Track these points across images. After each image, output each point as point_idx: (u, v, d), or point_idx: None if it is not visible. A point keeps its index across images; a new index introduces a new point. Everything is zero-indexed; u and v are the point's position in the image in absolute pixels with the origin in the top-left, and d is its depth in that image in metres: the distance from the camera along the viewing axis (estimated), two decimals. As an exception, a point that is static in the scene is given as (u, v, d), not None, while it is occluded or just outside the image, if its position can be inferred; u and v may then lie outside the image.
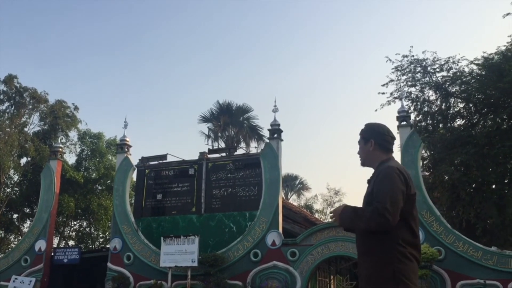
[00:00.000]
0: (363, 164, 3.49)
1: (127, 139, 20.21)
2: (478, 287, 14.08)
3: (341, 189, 49.97)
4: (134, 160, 20.45)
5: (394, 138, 3.41)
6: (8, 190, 28.18)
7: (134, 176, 20.90)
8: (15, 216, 29.34)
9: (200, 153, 19.48)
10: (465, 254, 14.57)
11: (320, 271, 19.45)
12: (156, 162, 20.03)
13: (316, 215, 42.86)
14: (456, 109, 20.74)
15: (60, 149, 21.77)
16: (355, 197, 68.19)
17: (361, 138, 3.48)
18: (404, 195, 3.05)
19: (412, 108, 21.04)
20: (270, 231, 16.68)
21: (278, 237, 16.55)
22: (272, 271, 16.20)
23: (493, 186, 17.91)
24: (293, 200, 45.56)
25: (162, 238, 17.11)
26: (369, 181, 3.35)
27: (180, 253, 16.57)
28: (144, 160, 20.02)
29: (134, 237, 18.33)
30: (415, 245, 3.07)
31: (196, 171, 19.26)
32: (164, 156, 19.87)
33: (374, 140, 3.38)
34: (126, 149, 19.97)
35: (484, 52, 19.20)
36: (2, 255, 22.74)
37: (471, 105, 20.03)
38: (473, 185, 17.98)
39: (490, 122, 18.47)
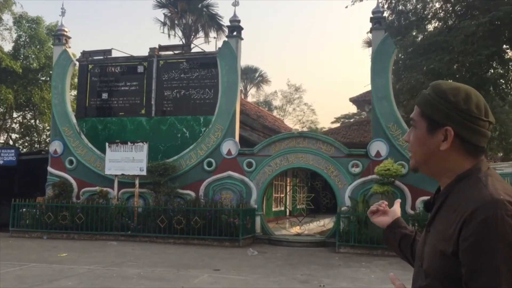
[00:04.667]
0: (417, 168, 1.58)
1: (65, 29, 17.67)
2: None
3: (301, 85, 48.82)
4: (76, 54, 18.19)
5: (493, 124, 1.51)
6: None
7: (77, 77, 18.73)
8: None
9: (150, 49, 17.36)
10: (429, 170, 13.92)
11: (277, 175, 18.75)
12: (100, 57, 17.81)
13: (275, 112, 42.04)
14: (432, 10, 19.07)
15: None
16: (316, 94, 67.62)
17: (419, 117, 1.53)
18: None
19: (386, 5, 19.18)
20: (225, 139, 15.45)
21: (234, 146, 15.39)
22: (227, 181, 15.26)
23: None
24: (252, 95, 44.29)
25: (107, 144, 15.60)
26: (430, 208, 1.55)
27: (127, 160, 15.25)
28: (86, 54, 17.74)
29: (76, 140, 16.74)
30: None
31: (145, 69, 17.30)
32: (109, 51, 17.62)
33: (454, 127, 1.46)
34: (65, 41, 17.53)
35: None
36: None
37: (449, 5, 18.39)
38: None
39: (466, 25, 17.04)
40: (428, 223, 1.51)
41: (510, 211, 1.30)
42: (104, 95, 17.64)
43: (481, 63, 15.81)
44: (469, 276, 1.31)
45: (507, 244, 1.27)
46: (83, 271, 9.37)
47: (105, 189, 15.63)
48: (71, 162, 16.65)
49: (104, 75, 17.75)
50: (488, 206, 1.31)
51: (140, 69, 17.35)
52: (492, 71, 17.43)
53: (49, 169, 16.80)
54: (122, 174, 15.32)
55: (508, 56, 17.69)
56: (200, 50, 17.88)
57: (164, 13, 31.40)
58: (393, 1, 19.29)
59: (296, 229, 16.52)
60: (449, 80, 17.63)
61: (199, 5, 31.05)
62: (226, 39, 16.44)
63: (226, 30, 17.11)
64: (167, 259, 11.13)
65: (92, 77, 17.81)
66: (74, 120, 17.02)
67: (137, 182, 15.17)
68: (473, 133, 1.45)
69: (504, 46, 17.35)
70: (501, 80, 17.45)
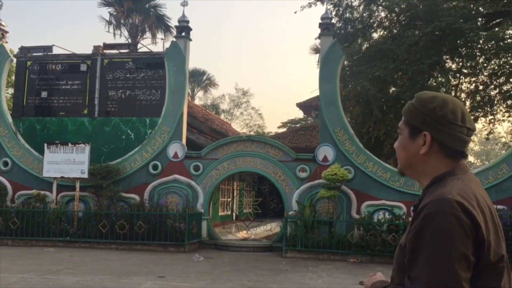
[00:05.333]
0: (403, 172, 1.71)
1: (3, 23, 16.67)
2: (382, 208, 13.92)
3: (249, 90, 48.84)
4: (14, 50, 17.22)
5: (472, 130, 1.61)
6: None
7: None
8: None
9: (95, 46, 16.71)
10: (374, 175, 14.20)
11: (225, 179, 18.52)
12: (40, 54, 16.94)
13: (222, 116, 41.84)
14: (378, 19, 19.55)
15: None
16: (263, 99, 67.98)
17: (403, 124, 1.68)
18: (471, 264, 1.38)
19: (333, 13, 19.47)
20: (172, 142, 15.07)
21: (181, 149, 15.04)
22: (173, 185, 14.88)
23: (408, 104, 17.50)
24: (199, 98, 43.84)
25: (45, 145, 14.81)
26: (414, 210, 1.61)
27: (67, 162, 14.53)
28: (24, 50, 16.82)
29: (12, 140, 15.79)
30: None
31: (89, 67, 16.62)
32: (49, 48, 16.80)
33: (431, 132, 1.58)
34: (1, 35, 16.54)
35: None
36: None
37: (393, 15, 18.91)
38: (388, 103, 17.43)
39: (410, 35, 17.60)
40: (413, 210, 1.60)
41: (453, 209, 1.39)
42: (44, 94, 16.78)
43: (424, 71, 16.33)
44: (408, 265, 1.44)
45: (442, 238, 1.37)
46: (16, 279, 8.75)
47: (42, 192, 14.81)
48: (5, 163, 15.68)
49: (44, 72, 16.89)
50: (433, 204, 1.42)
51: (83, 67, 16.65)
52: (433, 79, 18.07)
53: (-19, 171, 15.76)
54: (62, 177, 14.59)
55: (449, 66, 18.42)
56: (147, 50, 17.41)
57: (109, 12, 30.55)
58: (341, 9, 19.60)
59: (243, 234, 16.36)
60: (393, 88, 18.17)
61: (147, 5, 30.44)
62: (174, 39, 16.08)
63: (174, 31, 16.81)
64: (109, 266, 10.64)
65: (31, 75, 16.90)
66: (10, 119, 16.06)
67: (77, 185, 14.48)
68: (450, 137, 1.57)
69: (445, 56, 18.06)
70: (442, 88, 18.13)
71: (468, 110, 19.69)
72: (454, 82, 18.62)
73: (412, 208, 1.74)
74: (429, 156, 1.59)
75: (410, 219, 1.81)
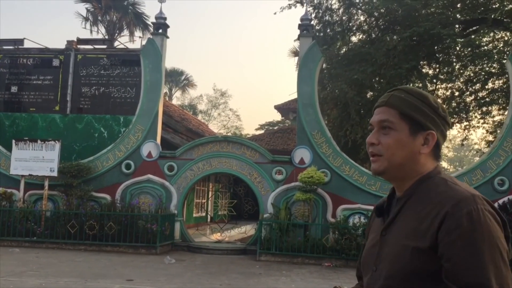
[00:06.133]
0: (385, 171, 1.50)
1: (-29, 14, 16.10)
2: (358, 212, 13.83)
3: (227, 91, 48.52)
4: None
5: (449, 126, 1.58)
6: None
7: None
8: None
9: (68, 41, 16.25)
10: (350, 179, 14.11)
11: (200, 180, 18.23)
12: (11, 47, 16.38)
13: (200, 116, 41.47)
14: (357, 22, 19.55)
15: None
16: (241, 101, 67.75)
17: (398, 119, 1.48)
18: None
19: (313, 15, 19.39)
20: (146, 141, 14.70)
21: (155, 149, 14.69)
22: (146, 185, 14.51)
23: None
24: (177, 98, 43.37)
25: (13, 141, 14.29)
26: (381, 213, 1.57)
27: (36, 159, 14.03)
28: (-7, 43, 16.24)
29: (-21, 136, 15.21)
30: None
31: (62, 62, 16.14)
32: (20, 41, 16.26)
33: (436, 132, 1.49)
34: (-30, 27, 15.96)
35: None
36: None
37: (373, 19, 18.95)
38: (365, 106, 17.40)
39: (388, 39, 17.64)
40: (384, 227, 1.48)
41: (486, 205, 1.34)
42: (14, 89, 16.23)
43: (401, 76, 16.37)
44: (456, 270, 1.28)
45: (490, 237, 1.29)
46: (-25, 282, 8.31)
47: (9, 190, 14.27)
48: (-29, 160, 15.08)
49: (15, 66, 16.34)
50: (469, 200, 1.32)
51: (56, 62, 16.16)
52: (411, 84, 18.12)
53: None
54: (30, 175, 14.08)
55: (426, 71, 18.52)
56: (121, 46, 17.01)
57: (87, 8, 29.89)
58: (320, 11, 19.54)
59: (217, 236, 16.08)
60: (371, 92, 18.16)
61: (125, 3, 29.91)
62: (150, 36, 15.74)
63: (152, 28, 16.43)
64: (76, 268, 10.24)
65: (0, 68, 16.32)
66: (-23, 114, 15.48)
67: (46, 183, 14.00)
68: (444, 138, 1.53)
69: (422, 61, 18.16)
70: (418, 94, 18.18)
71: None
72: (431, 88, 18.74)
73: (375, 208, 1.62)
74: (424, 155, 1.49)
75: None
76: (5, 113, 16.14)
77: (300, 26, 15.04)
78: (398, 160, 1.47)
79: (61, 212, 13.63)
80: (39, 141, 14.24)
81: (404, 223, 1.42)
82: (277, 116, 36.33)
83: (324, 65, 18.02)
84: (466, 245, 1.27)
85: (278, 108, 26.07)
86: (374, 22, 19.16)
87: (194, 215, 19.78)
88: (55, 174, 13.96)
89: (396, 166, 1.48)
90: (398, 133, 1.47)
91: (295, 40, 17.66)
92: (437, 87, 18.90)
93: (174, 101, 40.23)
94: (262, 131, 35.34)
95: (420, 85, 17.93)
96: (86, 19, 29.97)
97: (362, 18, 19.70)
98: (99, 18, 30.53)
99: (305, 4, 17.15)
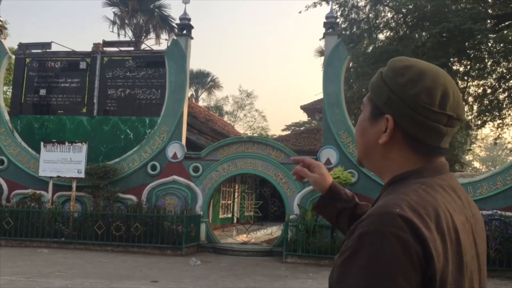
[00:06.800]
0: (362, 162, 1.25)
1: (1, 19, 16.41)
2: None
3: (253, 91, 48.50)
4: (12, 46, 16.93)
5: (456, 118, 1.11)
6: None
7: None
8: None
9: (94, 44, 16.42)
10: (377, 178, 13.74)
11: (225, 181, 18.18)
12: (39, 51, 16.65)
13: (226, 117, 41.51)
14: (384, 19, 19.15)
15: None
16: (267, 101, 67.61)
17: (367, 100, 1.21)
18: None
19: (339, 13, 19.10)
20: (171, 142, 14.70)
21: (181, 150, 14.67)
22: (171, 186, 14.51)
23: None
24: (203, 100, 43.53)
25: (42, 143, 14.49)
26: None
27: (64, 161, 14.20)
28: (23, 47, 16.56)
29: (8, 138, 15.48)
30: None
31: (88, 65, 16.31)
32: (48, 44, 16.51)
33: (395, 117, 1.12)
34: (0, 32, 16.27)
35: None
36: None
37: (400, 15, 18.52)
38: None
39: (417, 36, 17.21)
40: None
41: (399, 230, 0.97)
42: (42, 92, 16.49)
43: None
44: None
45: (379, 269, 0.95)
46: (3, 282, 8.39)
47: (38, 192, 14.49)
48: (1, 162, 15.37)
49: (43, 70, 16.60)
50: (374, 219, 1.00)
51: (83, 65, 16.34)
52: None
53: (-23, 169, 15.46)
54: (58, 176, 14.27)
55: (456, 68, 17.99)
56: (148, 48, 17.09)
57: (114, 12, 30.34)
58: (346, 9, 19.23)
59: (242, 237, 15.96)
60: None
61: (151, 6, 30.21)
62: (175, 37, 15.75)
63: (177, 30, 16.46)
64: (102, 269, 10.27)
65: (29, 72, 16.61)
66: (7, 117, 15.77)
67: (74, 185, 14.15)
68: (420, 126, 1.11)
69: (452, 58, 17.64)
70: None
71: (476, 114, 19.38)
72: (462, 85, 18.18)
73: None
74: (390, 148, 1.14)
75: None
76: (34, 116, 16.41)
77: (325, 25, 14.82)
78: (361, 149, 1.23)
79: (88, 213, 13.74)
80: (66, 143, 14.41)
81: None
82: (304, 117, 36.09)
83: (350, 64, 17.71)
84: (342, 271, 0.99)
85: (304, 108, 25.84)
86: (402, 19, 18.73)
87: (220, 216, 19.72)
88: (82, 175, 14.09)
89: (362, 156, 1.24)
90: (362, 117, 1.21)
91: (320, 39, 17.41)
92: (468, 84, 18.32)
93: (200, 103, 40.39)
94: (288, 132, 35.12)
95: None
96: (113, 22, 30.41)
97: (389, 15, 19.29)
98: (126, 21, 30.95)
99: (330, 2, 16.88)
